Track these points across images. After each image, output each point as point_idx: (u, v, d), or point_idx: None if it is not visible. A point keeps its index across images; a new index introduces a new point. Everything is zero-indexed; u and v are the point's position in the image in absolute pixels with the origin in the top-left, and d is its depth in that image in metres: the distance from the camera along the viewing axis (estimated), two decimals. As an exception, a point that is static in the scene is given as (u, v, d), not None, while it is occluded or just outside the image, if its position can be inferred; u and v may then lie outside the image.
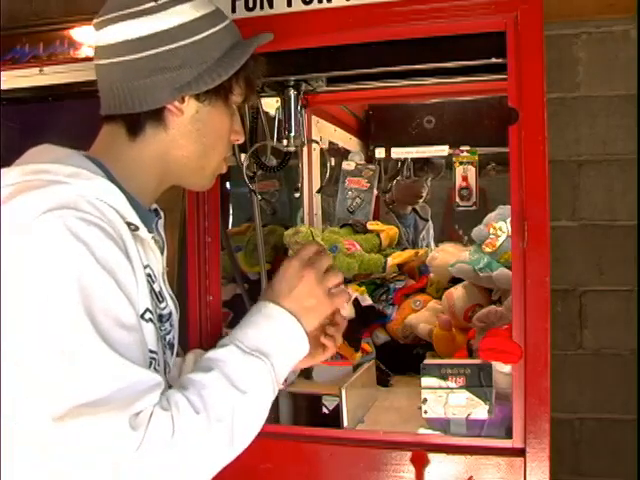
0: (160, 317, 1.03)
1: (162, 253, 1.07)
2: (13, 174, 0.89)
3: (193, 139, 1.04)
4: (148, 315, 0.93)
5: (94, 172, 0.93)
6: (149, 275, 0.98)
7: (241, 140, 1.13)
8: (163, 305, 1.04)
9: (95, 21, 1.02)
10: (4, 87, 1.99)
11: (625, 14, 2.41)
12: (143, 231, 0.97)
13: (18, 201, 0.85)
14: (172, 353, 1.09)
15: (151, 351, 0.94)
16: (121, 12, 0.99)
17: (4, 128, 1.85)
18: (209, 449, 0.86)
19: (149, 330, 0.93)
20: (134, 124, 1.01)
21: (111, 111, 1.02)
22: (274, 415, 1.73)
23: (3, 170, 0.91)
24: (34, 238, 0.82)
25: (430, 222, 2.98)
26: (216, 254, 1.60)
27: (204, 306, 1.59)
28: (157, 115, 1.01)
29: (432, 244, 2.89)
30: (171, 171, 1.05)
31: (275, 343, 0.96)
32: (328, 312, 1.05)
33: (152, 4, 0.99)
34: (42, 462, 0.84)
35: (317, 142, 2.17)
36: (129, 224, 0.93)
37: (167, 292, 1.07)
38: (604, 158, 2.54)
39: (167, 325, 1.05)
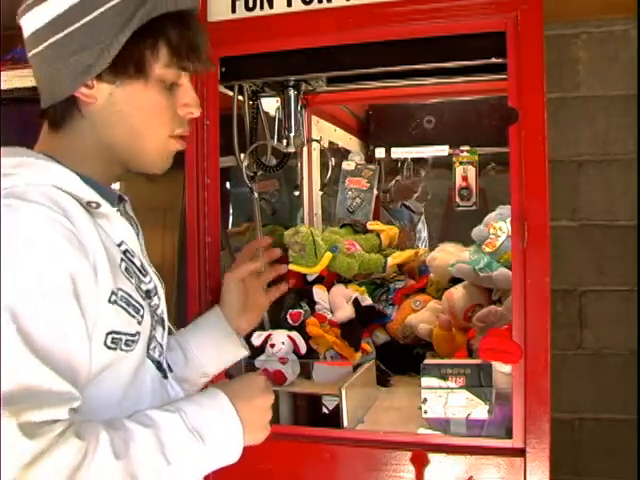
0: (147, 292, 1.00)
1: (137, 231, 1.04)
2: None
3: (117, 123, 0.95)
4: (114, 297, 0.88)
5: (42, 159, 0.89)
6: (126, 251, 0.95)
7: (196, 113, 1.01)
8: (147, 279, 1.00)
9: (20, 8, 0.93)
10: (4, 87, 1.99)
11: (625, 14, 2.42)
12: (106, 206, 0.92)
13: None
14: (163, 329, 1.05)
15: (118, 332, 0.89)
16: None
17: (4, 128, 1.85)
18: None
19: (114, 312, 0.88)
20: (53, 117, 0.96)
21: (42, 105, 0.96)
22: (274, 415, 1.72)
23: None
24: None
25: (423, 216, 2.97)
26: (216, 254, 1.60)
27: (204, 306, 1.58)
28: (71, 105, 0.94)
29: (425, 235, 2.88)
30: (113, 157, 0.99)
31: (215, 436, 0.91)
32: (262, 439, 1.01)
33: None
34: None
35: (318, 141, 2.17)
36: (89, 203, 0.89)
37: (149, 266, 1.03)
38: (604, 158, 2.54)
39: (155, 299, 1.02)
